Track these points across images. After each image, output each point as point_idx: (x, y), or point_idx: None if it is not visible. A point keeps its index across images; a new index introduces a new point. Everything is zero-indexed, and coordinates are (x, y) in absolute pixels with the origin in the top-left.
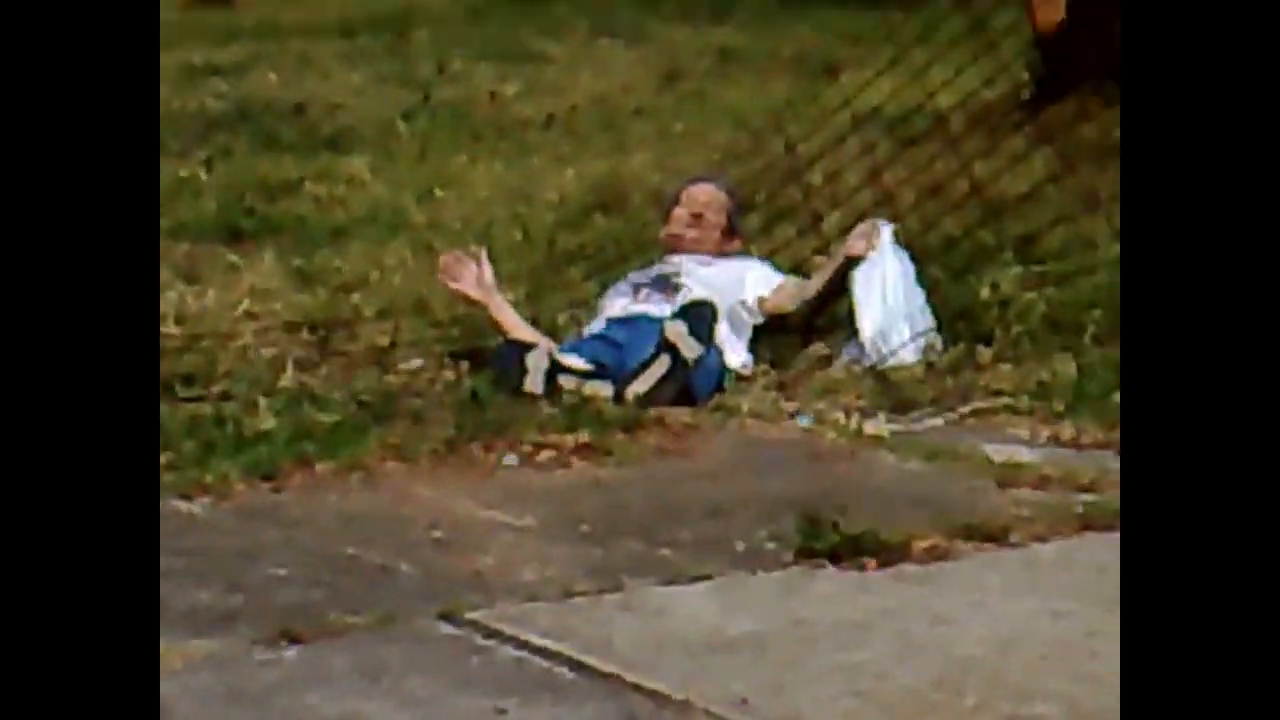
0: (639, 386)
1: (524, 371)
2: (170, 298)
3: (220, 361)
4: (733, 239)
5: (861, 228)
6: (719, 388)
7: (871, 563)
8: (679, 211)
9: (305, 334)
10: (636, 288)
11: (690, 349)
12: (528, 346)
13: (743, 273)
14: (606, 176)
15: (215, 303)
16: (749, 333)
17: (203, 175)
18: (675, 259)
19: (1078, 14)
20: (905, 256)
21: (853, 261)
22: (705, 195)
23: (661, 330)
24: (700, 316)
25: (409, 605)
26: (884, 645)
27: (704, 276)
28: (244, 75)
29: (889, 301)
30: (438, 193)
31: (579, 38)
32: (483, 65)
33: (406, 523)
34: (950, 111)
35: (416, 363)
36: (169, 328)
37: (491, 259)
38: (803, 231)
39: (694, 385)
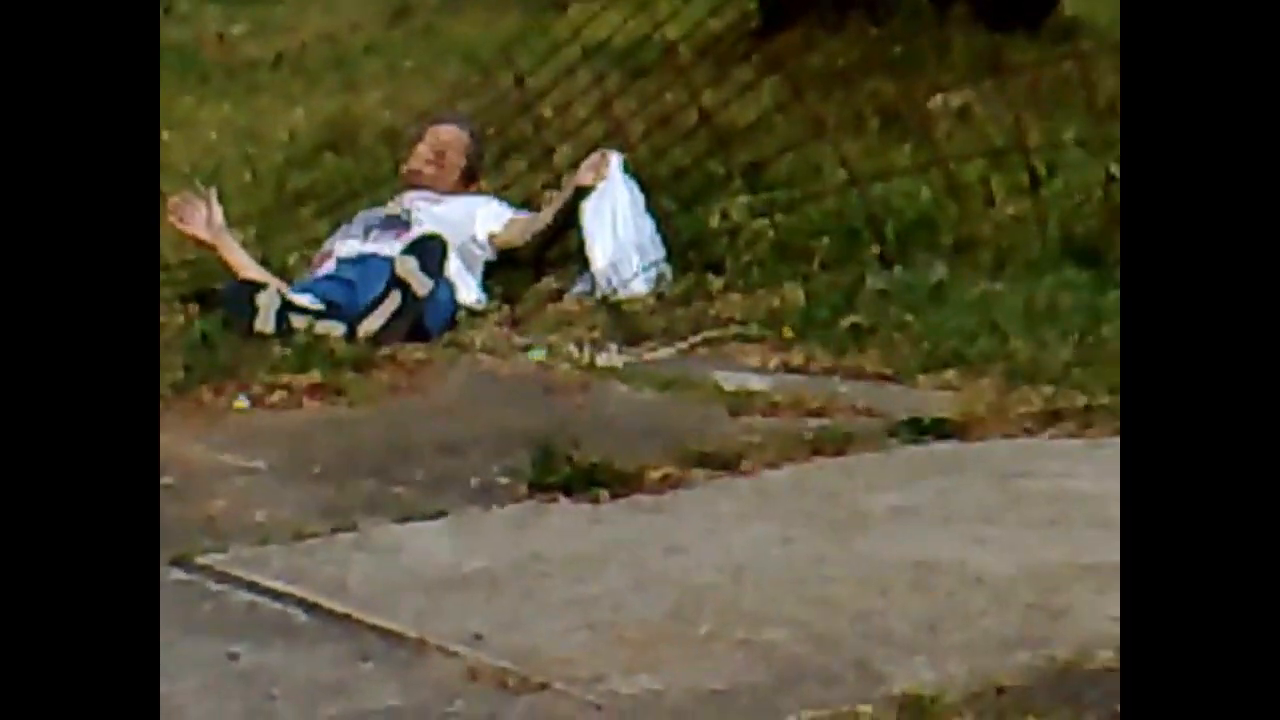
0: (371, 324)
1: (255, 311)
2: None
3: None
4: (472, 182)
5: (590, 159)
6: (451, 324)
7: (605, 494)
8: (420, 148)
9: None
10: (367, 228)
11: (421, 284)
12: (258, 286)
13: (473, 209)
14: (337, 115)
15: None
16: (481, 268)
17: None
18: (407, 197)
19: None
20: (635, 186)
21: (582, 193)
22: (448, 135)
23: (392, 267)
24: (430, 252)
25: None
26: (618, 577)
27: (435, 214)
28: None
29: (619, 233)
30: (165, 135)
31: None
32: (210, 6)
33: None
34: (679, 42)
35: None
36: None
37: (221, 200)
38: (534, 165)
39: (426, 321)
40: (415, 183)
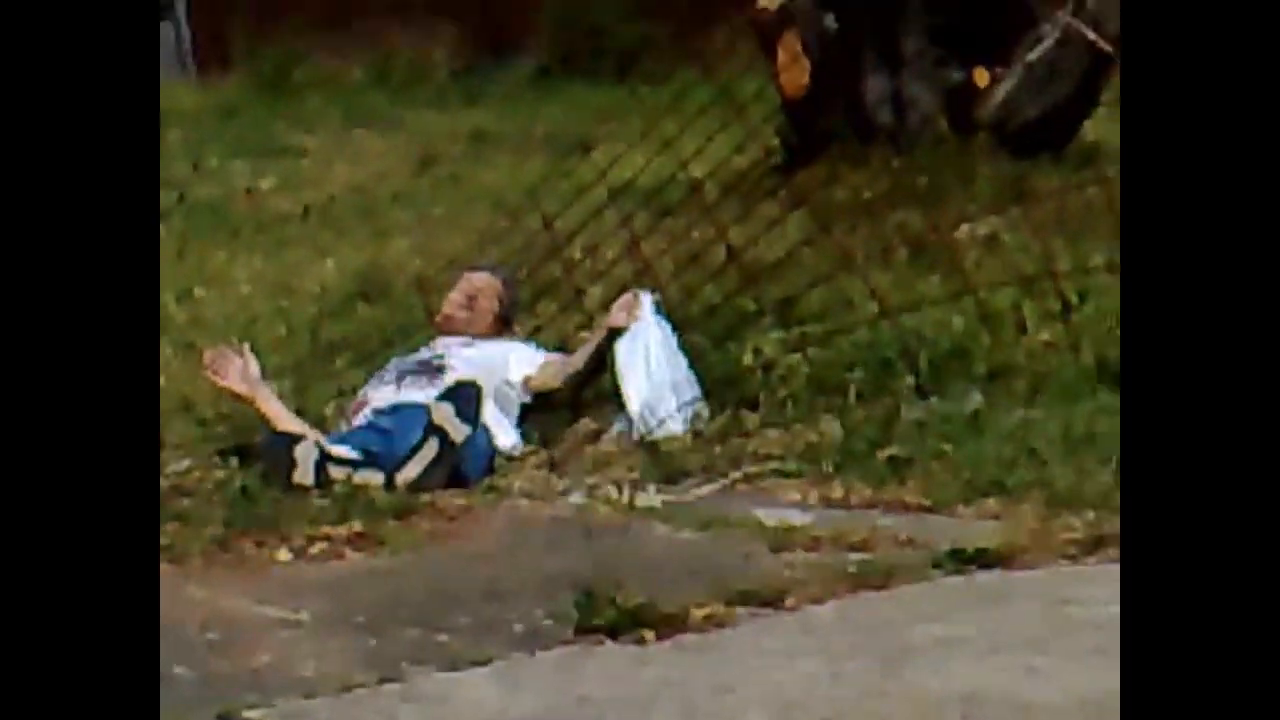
0: (409, 472)
1: (293, 464)
2: None
3: None
4: (506, 328)
5: (622, 299)
6: (489, 469)
7: (650, 635)
8: (453, 295)
9: None
10: (400, 375)
11: (457, 430)
12: (296, 438)
13: (506, 353)
14: (367, 265)
15: None
16: (517, 412)
17: None
18: (440, 343)
19: (822, 77)
20: (666, 326)
21: (615, 334)
22: (481, 281)
23: (428, 414)
24: (465, 397)
25: (185, 710)
26: (668, 718)
27: (468, 358)
28: None
29: (653, 372)
30: (198, 291)
31: (332, 129)
32: (238, 162)
33: (179, 625)
34: (704, 180)
35: (184, 463)
36: None
37: (256, 353)
38: (565, 307)
39: (464, 467)
40: (448, 329)
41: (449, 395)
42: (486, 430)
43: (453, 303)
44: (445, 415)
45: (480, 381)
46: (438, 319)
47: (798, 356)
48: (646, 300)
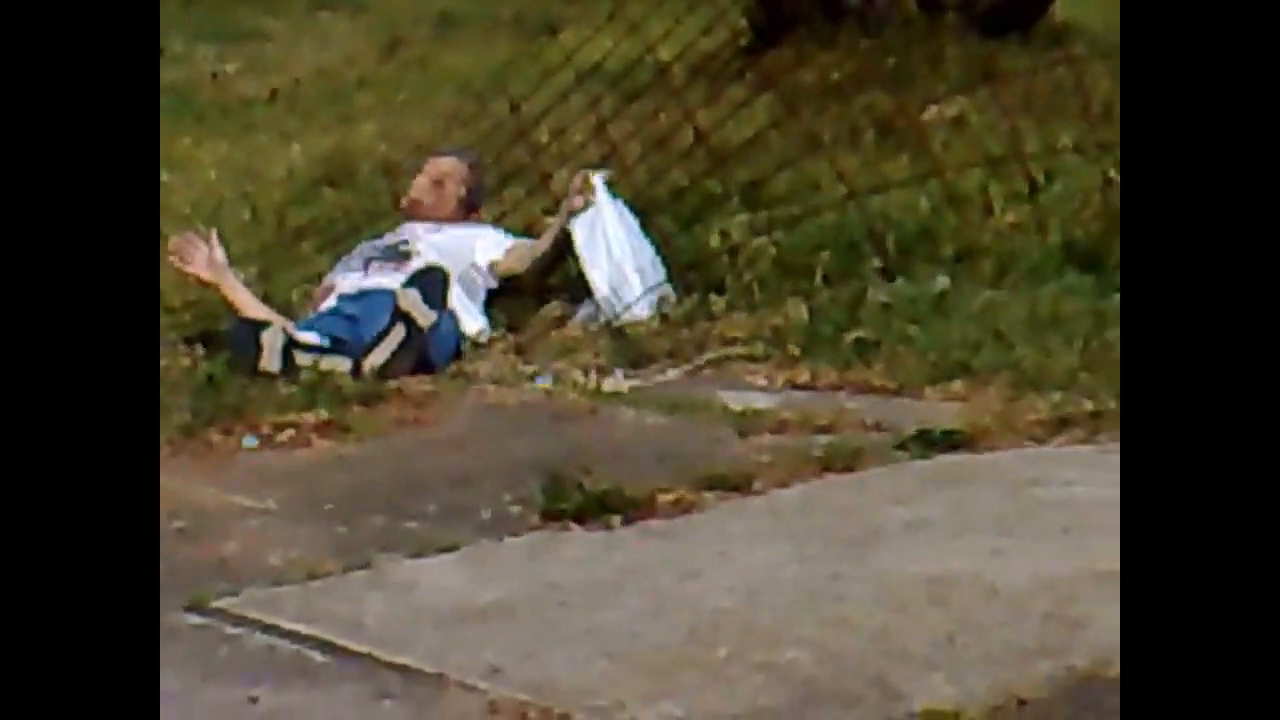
0: (376, 358)
1: (260, 350)
2: None
3: None
4: (472, 211)
5: (574, 181)
6: (456, 355)
7: (617, 520)
8: (419, 179)
9: None
10: (367, 261)
11: (424, 316)
12: (262, 325)
13: (473, 238)
14: (333, 150)
15: None
16: (483, 297)
17: None
18: (406, 228)
19: None
20: (624, 207)
21: (574, 217)
22: (447, 165)
23: (395, 300)
24: (432, 282)
25: None
26: (634, 603)
27: (434, 243)
28: None
29: (615, 255)
30: (163, 176)
31: (297, 12)
32: (202, 46)
33: None
34: (672, 63)
35: None
36: None
37: (222, 239)
38: (532, 191)
39: (431, 353)
40: (415, 214)
41: (415, 280)
42: (453, 315)
43: (419, 187)
44: (412, 301)
45: (447, 266)
46: (403, 203)
47: (764, 239)
48: (599, 181)
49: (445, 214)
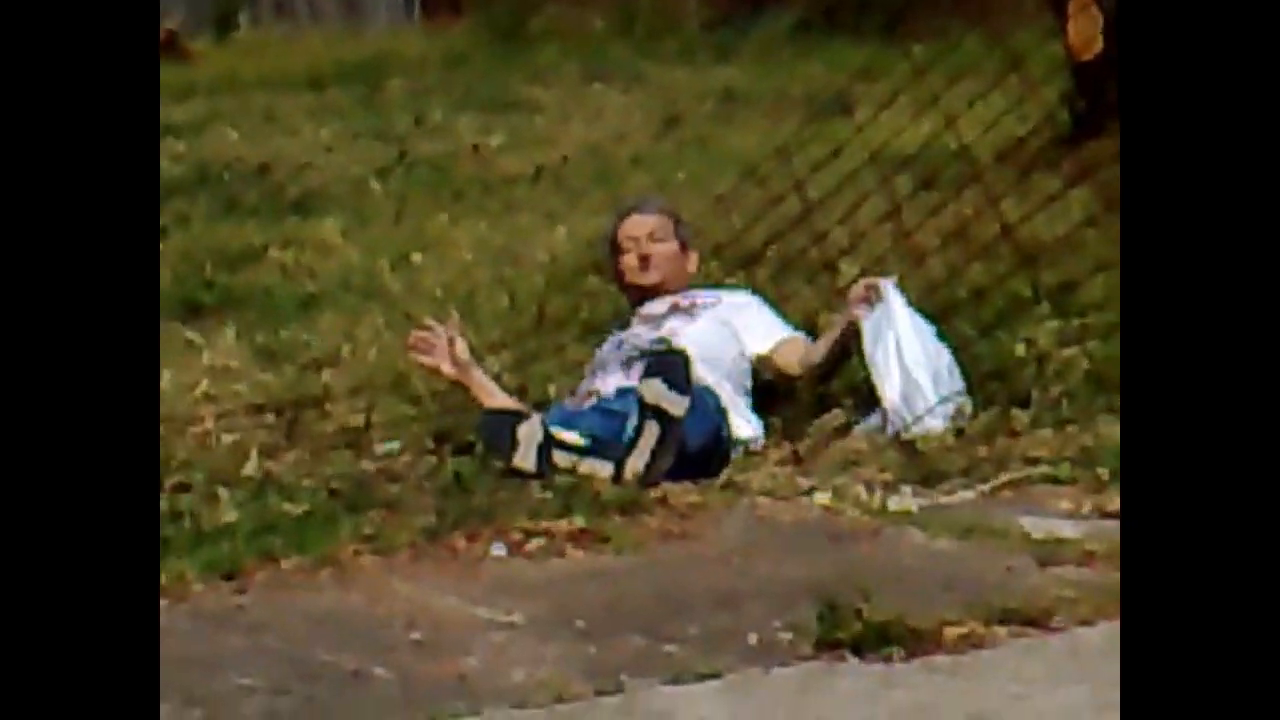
0: (636, 462)
1: (514, 445)
2: None
3: (177, 449)
4: (688, 256)
5: (856, 289)
6: (725, 459)
7: (899, 653)
8: (627, 259)
9: (270, 417)
10: (627, 362)
11: (674, 403)
12: (521, 416)
13: (731, 317)
14: (601, 234)
15: (172, 385)
16: (750, 385)
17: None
18: (649, 311)
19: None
20: (914, 312)
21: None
22: (645, 228)
23: (639, 396)
24: (670, 365)
25: (386, 715)
26: None
27: (693, 336)
28: (202, 134)
29: (906, 360)
30: (415, 257)
31: (569, 83)
32: (464, 116)
33: (383, 623)
34: (977, 148)
35: (394, 445)
36: None
37: (475, 326)
38: (813, 281)
39: (689, 442)
40: (641, 296)
41: (653, 370)
42: (723, 413)
43: (631, 269)
44: (657, 392)
45: (714, 356)
46: (624, 287)
47: (1076, 349)
48: (888, 286)
49: (673, 282)
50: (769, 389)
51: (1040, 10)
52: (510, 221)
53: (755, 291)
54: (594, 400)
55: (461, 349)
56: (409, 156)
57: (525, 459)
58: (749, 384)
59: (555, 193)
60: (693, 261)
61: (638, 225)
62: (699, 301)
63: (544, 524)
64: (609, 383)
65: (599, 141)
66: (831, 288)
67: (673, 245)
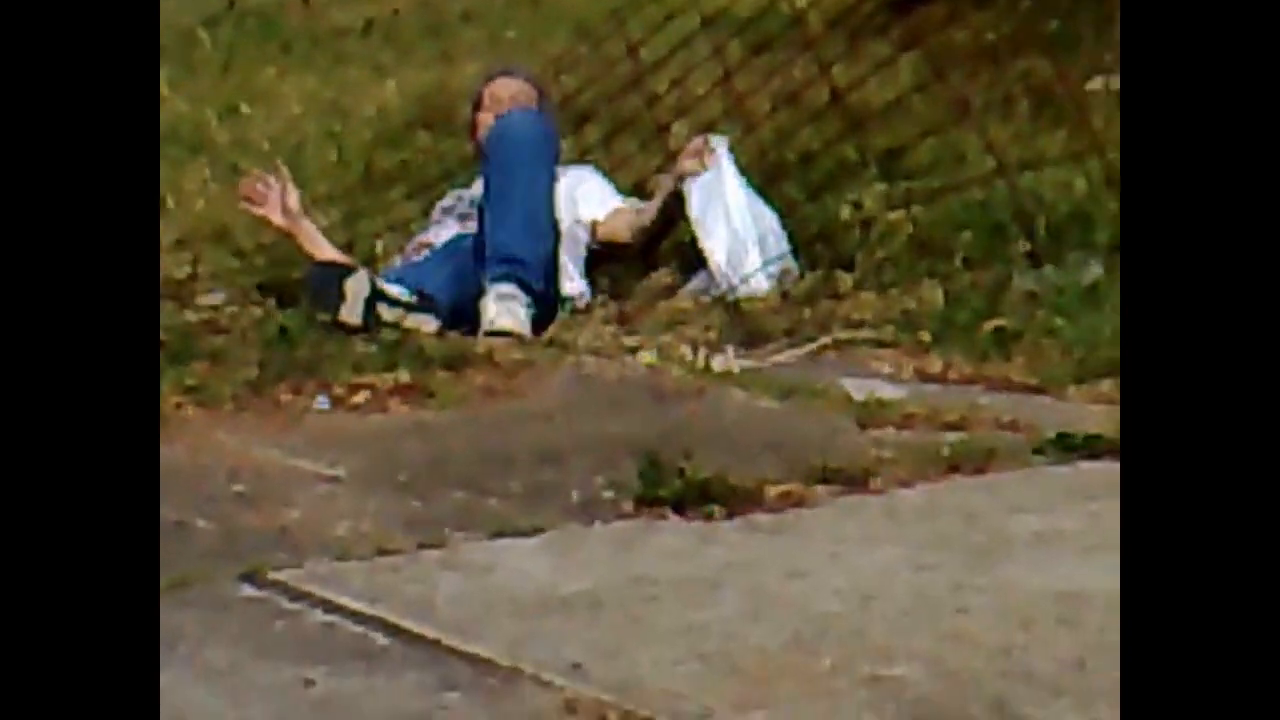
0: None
1: (341, 299)
2: None
3: None
4: None
5: (691, 145)
6: (551, 317)
7: (720, 511)
8: (485, 116)
9: None
10: (462, 217)
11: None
12: (348, 270)
13: (574, 187)
14: (431, 88)
15: None
16: (584, 255)
17: None
18: None
19: None
20: (742, 175)
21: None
22: (510, 90)
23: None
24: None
25: (207, 566)
26: (733, 602)
27: None
28: None
29: (733, 222)
30: (243, 109)
31: None
32: None
33: (204, 475)
34: (807, 11)
35: (219, 296)
36: None
37: (302, 181)
38: (645, 144)
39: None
40: None
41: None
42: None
43: (487, 126)
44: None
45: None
46: (474, 145)
47: (901, 214)
48: (721, 146)
49: None
50: (601, 253)
51: None
52: (339, 75)
53: (588, 157)
54: (425, 253)
55: (293, 199)
56: (237, 6)
57: (351, 313)
58: (583, 250)
59: (385, 47)
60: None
61: (503, 86)
62: None
63: (368, 378)
64: (441, 235)
65: None
66: (664, 151)
67: (529, 110)
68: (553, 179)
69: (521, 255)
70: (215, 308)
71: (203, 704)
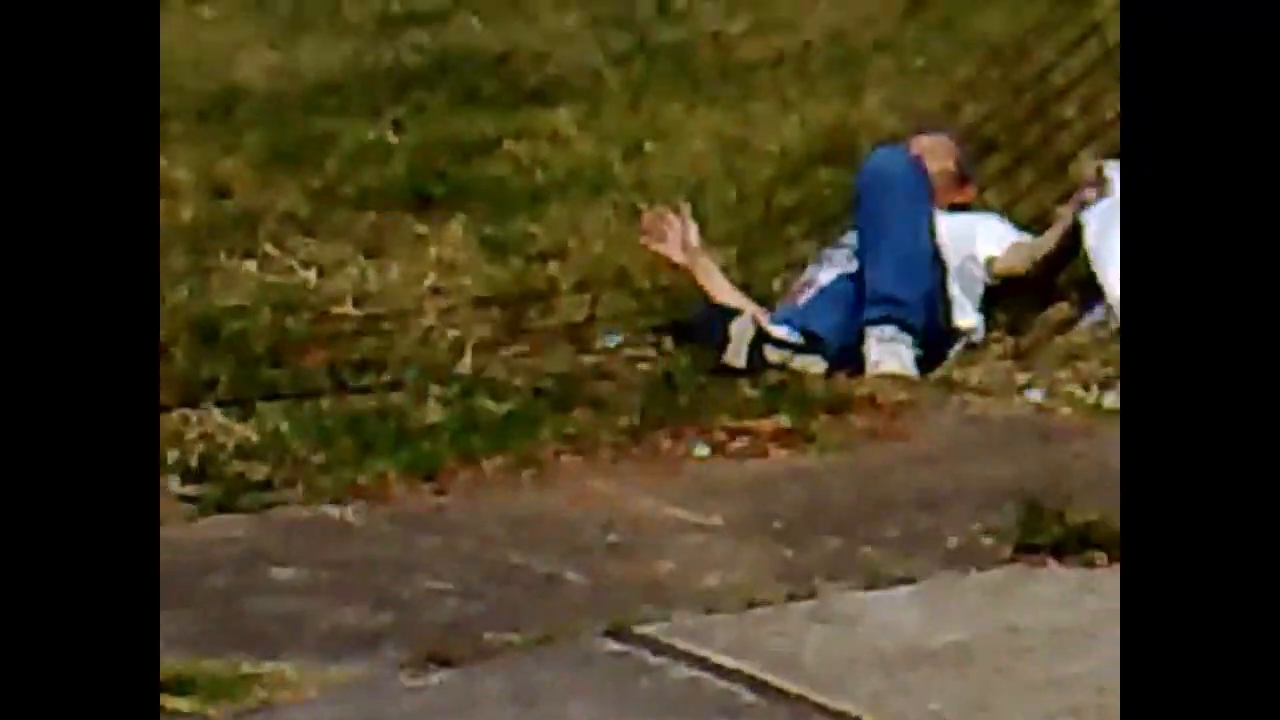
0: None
1: (726, 341)
2: (350, 274)
3: (397, 345)
4: (963, 187)
5: (1089, 172)
6: (941, 353)
7: (1101, 558)
8: None
9: (495, 311)
10: (850, 256)
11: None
12: (732, 313)
13: (973, 224)
14: (834, 122)
15: (399, 278)
16: (980, 291)
17: (391, 137)
18: None
19: None
20: None
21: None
22: (927, 143)
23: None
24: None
25: (574, 620)
26: (1109, 654)
27: None
28: (447, 23)
29: None
30: (647, 147)
31: None
32: (707, 2)
33: (579, 525)
34: None
35: (615, 339)
36: (345, 308)
37: (702, 218)
38: (1047, 176)
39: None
40: None
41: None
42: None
43: None
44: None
45: (945, 256)
46: None
47: None
48: (1116, 172)
49: (939, 200)
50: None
51: None
52: (745, 110)
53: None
54: (810, 293)
55: (694, 235)
56: (648, 44)
57: (736, 356)
58: (979, 286)
59: (794, 80)
60: (967, 194)
61: (924, 141)
62: (943, 215)
63: (749, 423)
64: (828, 275)
65: (844, 26)
66: (1066, 182)
67: (948, 167)
68: (928, 215)
69: (899, 295)
70: (610, 349)
71: None
